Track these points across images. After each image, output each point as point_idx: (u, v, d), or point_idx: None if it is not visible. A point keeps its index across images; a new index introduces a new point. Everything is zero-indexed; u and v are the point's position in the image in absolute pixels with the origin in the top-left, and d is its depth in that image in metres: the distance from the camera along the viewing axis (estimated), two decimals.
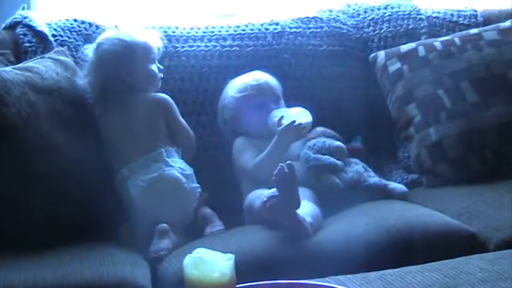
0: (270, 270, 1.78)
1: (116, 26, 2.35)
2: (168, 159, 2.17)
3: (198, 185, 2.19)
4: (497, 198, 2.15)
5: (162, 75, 2.35)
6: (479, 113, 2.41)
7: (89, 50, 2.32)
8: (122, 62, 2.24)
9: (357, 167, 2.26)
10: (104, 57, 2.26)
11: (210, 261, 1.32)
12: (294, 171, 1.93)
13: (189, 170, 2.19)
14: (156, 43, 2.36)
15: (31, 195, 1.96)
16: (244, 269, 1.55)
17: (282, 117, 2.26)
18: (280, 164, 1.94)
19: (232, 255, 1.34)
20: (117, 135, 2.21)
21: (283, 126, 2.23)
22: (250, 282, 1.45)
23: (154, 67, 2.32)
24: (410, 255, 1.87)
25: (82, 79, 2.26)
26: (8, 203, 1.95)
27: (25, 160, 1.96)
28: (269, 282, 1.46)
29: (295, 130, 2.22)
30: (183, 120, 2.31)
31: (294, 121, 2.22)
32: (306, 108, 2.29)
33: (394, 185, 2.29)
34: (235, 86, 2.38)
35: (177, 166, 2.17)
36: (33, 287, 1.72)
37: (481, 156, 2.37)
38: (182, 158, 2.23)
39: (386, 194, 2.24)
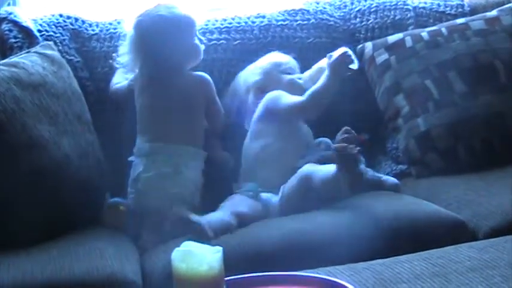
0: (258, 262, 1.78)
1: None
2: (189, 162, 2.16)
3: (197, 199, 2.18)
4: (485, 187, 2.16)
5: (203, 46, 2.34)
6: (467, 102, 2.41)
7: (126, 26, 2.31)
8: (164, 39, 2.23)
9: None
10: (145, 34, 2.25)
11: (198, 254, 1.31)
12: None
13: (200, 182, 2.19)
14: (197, 16, 2.34)
15: (18, 192, 1.95)
16: (233, 262, 1.55)
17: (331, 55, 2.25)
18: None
19: (221, 248, 1.33)
20: (151, 112, 2.21)
21: (334, 57, 2.22)
22: (238, 275, 1.45)
23: (196, 40, 2.31)
24: (399, 245, 1.87)
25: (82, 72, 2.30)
26: None
27: (11, 157, 1.94)
28: (258, 274, 1.46)
29: (347, 59, 2.22)
30: (219, 101, 2.33)
31: (346, 52, 2.22)
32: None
33: (385, 177, 2.30)
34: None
35: (193, 175, 2.16)
36: (21, 283, 1.71)
37: (470, 145, 2.37)
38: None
39: (378, 187, 2.24)
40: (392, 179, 2.29)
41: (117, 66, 2.37)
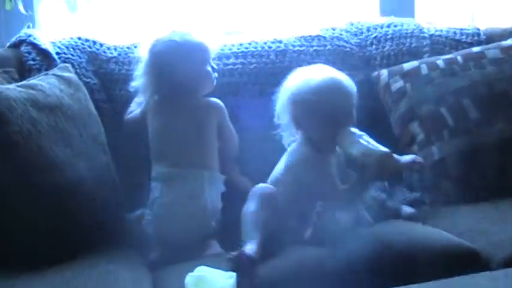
0: None
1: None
2: (205, 187, 2.17)
3: (214, 224, 2.18)
4: (500, 216, 2.15)
5: (216, 74, 2.36)
6: (481, 130, 2.41)
7: (141, 50, 2.34)
8: (176, 63, 2.26)
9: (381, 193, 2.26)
10: (159, 59, 2.27)
11: (211, 279, 1.33)
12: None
13: (218, 206, 2.19)
14: (212, 44, 2.36)
15: (33, 212, 1.96)
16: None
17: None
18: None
19: (234, 274, 1.34)
20: (164, 136, 2.23)
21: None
22: None
23: (209, 68, 2.33)
24: (412, 274, 1.86)
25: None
26: (11, 220, 1.96)
27: (27, 177, 1.96)
28: None
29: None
30: (231, 126, 2.34)
31: None
32: None
33: (403, 206, 2.30)
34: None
35: (210, 199, 2.17)
36: None
37: (484, 174, 2.37)
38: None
39: (395, 216, 2.24)
40: (409, 209, 2.28)
41: (131, 90, 2.38)
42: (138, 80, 2.33)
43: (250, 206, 2.04)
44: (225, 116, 2.33)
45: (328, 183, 2.08)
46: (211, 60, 2.36)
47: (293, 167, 2.14)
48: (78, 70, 2.43)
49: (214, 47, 2.39)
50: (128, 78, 2.44)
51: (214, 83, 2.36)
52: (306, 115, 2.14)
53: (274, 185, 2.12)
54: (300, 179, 2.10)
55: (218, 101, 2.33)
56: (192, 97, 2.29)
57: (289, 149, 2.21)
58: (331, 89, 2.13)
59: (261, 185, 2.11)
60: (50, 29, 2.78)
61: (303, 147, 2.16)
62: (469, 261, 1.96)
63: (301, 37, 2.69)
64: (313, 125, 2.14)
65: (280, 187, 2.11)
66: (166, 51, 2.28)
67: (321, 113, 2.11)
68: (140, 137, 2.34)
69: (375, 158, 2.01)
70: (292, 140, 2.22)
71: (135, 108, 2.38)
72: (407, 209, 2.28)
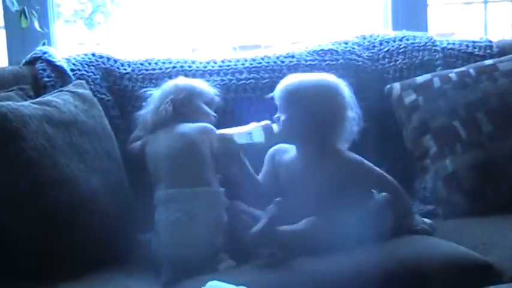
0: None
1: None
2: (205, 204, 2.18)
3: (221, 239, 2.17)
4: None
5: (214, 120, 2.39)
6: (494, 143, 2.41)
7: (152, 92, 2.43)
8: (177, 94, 2.35)
9: None
10: (162, 92, 2.38)
11: None
12: None
13: (222, 221, 2.19)
14: (210, 91, 2.43)
15: (47, 226, 1.98)
16: None
17: None
18: None
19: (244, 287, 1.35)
20: (158, 160, 2.26)
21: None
22: None
23: (207, 108, 2.38)
24: (425, 287, 1.87)
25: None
26: (26, 237, 1.97)
27: (42, 194, 1.98)
28: None
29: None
30: None
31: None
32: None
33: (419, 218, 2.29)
34: None
35: (211, 215, 2.17)
36: None
37: (497, 187, 2.37)
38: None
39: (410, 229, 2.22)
40: (425, 220, 2.27)
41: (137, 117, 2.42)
42: (146, 110, 2.39)
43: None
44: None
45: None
46: (210, 106, 2.41)
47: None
48: (92, 86, 2.45)
49: (213, 95, 2.44)
50: (141, 95, 2.46)
51: (211, 118, 2.38)
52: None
53: None
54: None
55: (208, 125, 2.33)
56: (184, 123, 2.33)
57: None
58: None
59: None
60: (66, 47, 2.80)
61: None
62: (481, 274, 1.96)
63: (313, 51, 2.70)
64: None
65: None
66: (167, 89, 2.38)
67: None
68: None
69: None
70: None
71: (136, 135, 2.41)
72: (422, 221, 2.27)
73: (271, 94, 2.30)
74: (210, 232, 2.14)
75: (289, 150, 2.32)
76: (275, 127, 2.26)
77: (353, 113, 2.27)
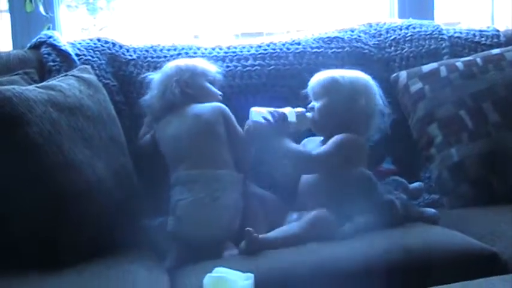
0: None
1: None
2: (227, 187, 2.18)
3: (237, 224, 2.18)
4: None
5: (221, 98, 2.38)
6: (501, 133, 2.39)
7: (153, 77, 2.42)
8: (181, 76, 2.34)
9: (402, 195, 2.25)
10: (164, 75, 2.37)
11: (229, 280, 1.33)
12: None
13: (240, 206, 2.19)
14: (212, 69, 2.42)
15: (52, 212, 1.97)
16: None
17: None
18: None
19: (252, 275, 1.34)
20: (178, 142, 2.25)
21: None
22: None
23: (211, 86, 2.38)
24: (431, 276, 1.86)
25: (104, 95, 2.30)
26: (31, 222, 1.97)
27: (47, 178, 1.97)
28: None
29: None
30: (241, 131, 2.33)
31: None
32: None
33: (424, 209, 2.28)
34: None
35: (231, 199, 2.18)
36: None
37: (503, 176, 2.35)
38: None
39: (417, 218, 2.23)
40: (430, 210, 2.27)
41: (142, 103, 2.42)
42: (149, 95, 2.38)
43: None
44: (231, 118, 2.33)
45: None
46: (213, 84, 2.40)
47: None
48: (97, 72, 2.45)
49: (215, 73, 2.43)
50: (145, 82, 2.45)
51: (217, 97, 2.38)
52: None
53: None
54: None
55: (220, 104, 2.34)
56: (195, 105, 2.32)
57: None
58: None
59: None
60: (69, 32, 2.79)
61: None
62: (488, 263, 1.95)
63: (319, 39, 2.69)
64: None
65: None
66: (170, 71, 2.37)
67: None
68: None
69: None
70: None
71: (145, 130, 2.40)
72: (428, 211, 2.26)
73: (304, 90, 2.33)
74: (230, 215, 2.14)
75: (316, 144, 2.31)
76: (309, 115, 2.30)
77: (383, 109, 2.33)
